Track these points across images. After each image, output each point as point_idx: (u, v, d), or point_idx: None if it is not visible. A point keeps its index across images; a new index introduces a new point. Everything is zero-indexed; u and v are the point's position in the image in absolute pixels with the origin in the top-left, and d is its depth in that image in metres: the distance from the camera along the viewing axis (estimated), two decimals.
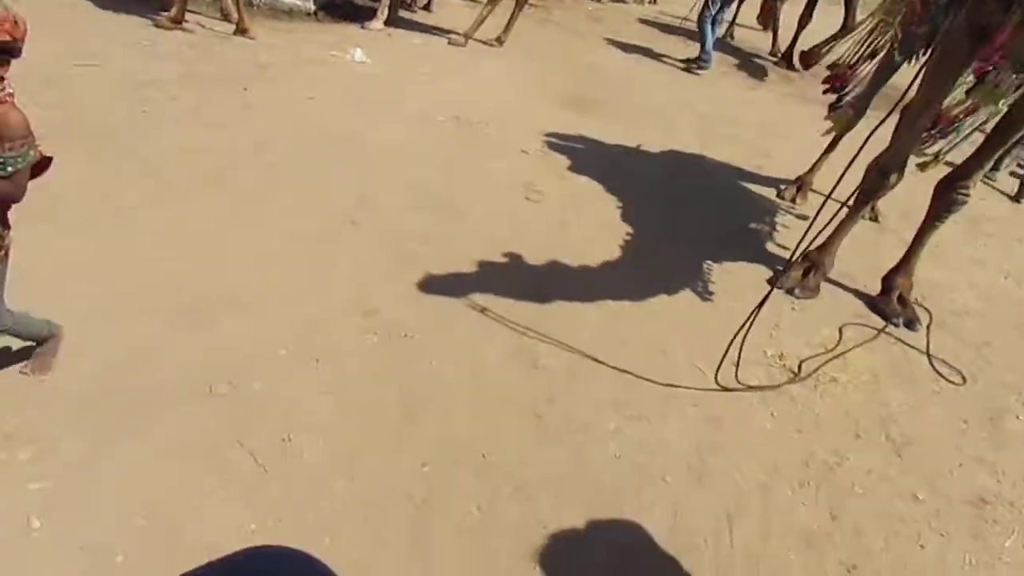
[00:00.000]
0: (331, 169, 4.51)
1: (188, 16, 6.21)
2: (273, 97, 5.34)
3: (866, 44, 5.12)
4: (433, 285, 3.67)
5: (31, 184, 2.23)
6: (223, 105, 5.02)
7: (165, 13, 6.14)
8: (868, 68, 5.13)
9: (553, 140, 5.77)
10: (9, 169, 2.10)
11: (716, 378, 3.30)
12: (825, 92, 5.54)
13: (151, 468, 2.43)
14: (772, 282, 4.14)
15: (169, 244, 3.50)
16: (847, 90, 5.26)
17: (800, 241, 3.19)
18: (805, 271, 4.32)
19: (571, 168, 5.36)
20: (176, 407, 2.67)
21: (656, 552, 2.54)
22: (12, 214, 2.29)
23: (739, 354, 3.29)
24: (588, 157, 5.59)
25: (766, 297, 3.20)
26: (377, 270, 3.69)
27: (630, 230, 4.60)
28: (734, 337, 3.21)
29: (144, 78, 5.09)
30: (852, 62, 5.28)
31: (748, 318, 3.20)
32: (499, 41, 7.90)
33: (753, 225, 5.18)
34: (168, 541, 2.22)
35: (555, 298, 3.77)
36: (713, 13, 8.63)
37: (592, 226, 4.60)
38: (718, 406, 3.26)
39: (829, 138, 5.52)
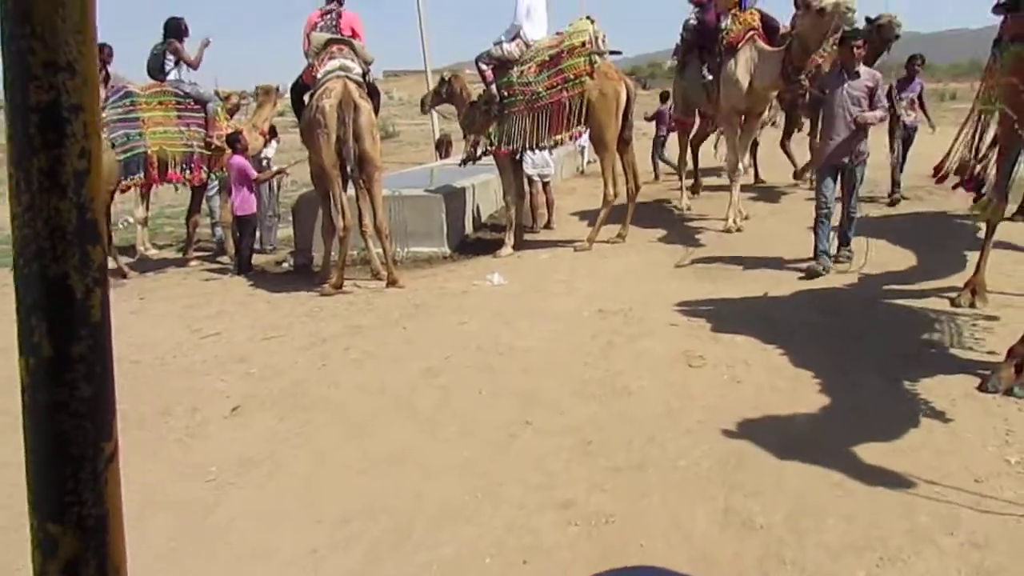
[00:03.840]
0: (495, 379, 4.68)
1: (345, 281, 6.96)
2: (430, 328, 5.75)
3: (978, 135, 5.13)
4: (620, 466, 3.58)
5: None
6: (389, 345, 5.44)
7: (326, 284, 6.94)
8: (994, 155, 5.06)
9: (699, 309, 5.77)
10: None
11: None
12: (969, 191, 5.42)
13: None
14: (983, 388, 3.80)
15: (364, 475, 3.64)
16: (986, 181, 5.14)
17: None
18: (1018, 367, 3.90)
19: (723, 330, 5.29)
20: None
21: None
22: None
23: None
24: (737, 317, 5.52)
25: None
26: (562, 463, 3.65)
27: (809, 373, 4.39)
28: None
29: (319, 337, 5.65)
30: (978, 156, 5.22)
31: None
32: (621, 237, 8.28)
33: (937, 337, 4.84)
34: None
35: (750, 453, 3.56)
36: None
37: (766, 377, 4.43)
38: (978, 528, 2.85)
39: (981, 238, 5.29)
